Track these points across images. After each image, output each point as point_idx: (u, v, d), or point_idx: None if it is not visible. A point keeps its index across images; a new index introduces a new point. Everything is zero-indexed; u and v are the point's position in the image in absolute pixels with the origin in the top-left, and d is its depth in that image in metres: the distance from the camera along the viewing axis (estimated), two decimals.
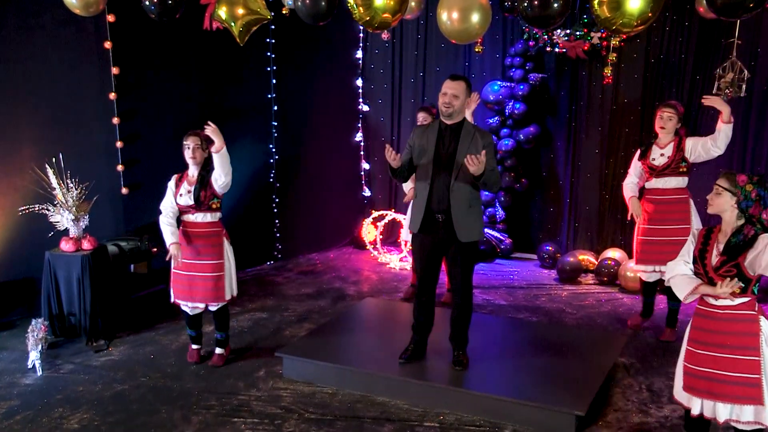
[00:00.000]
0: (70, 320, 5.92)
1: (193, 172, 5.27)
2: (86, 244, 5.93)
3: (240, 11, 4.89)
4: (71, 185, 5.93)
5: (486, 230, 8.37)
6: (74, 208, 5.90)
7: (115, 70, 6.63)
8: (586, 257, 7.96)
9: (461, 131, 4.83)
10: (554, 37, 7.77)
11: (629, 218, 6.11)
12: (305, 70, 8.32)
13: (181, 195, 5.23)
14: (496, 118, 8.26)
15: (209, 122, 5.01)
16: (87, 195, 6.02)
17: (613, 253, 7.77)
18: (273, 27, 7.84)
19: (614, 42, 5.20)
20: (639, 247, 5.97)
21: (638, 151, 6.01)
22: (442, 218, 4.83)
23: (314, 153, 8.52)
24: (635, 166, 6.00)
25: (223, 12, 4.93)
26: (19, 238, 6.26)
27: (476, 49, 5.47)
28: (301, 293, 7.31)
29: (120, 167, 6.81)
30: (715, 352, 3.68)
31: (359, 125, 9.11)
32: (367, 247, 8.74)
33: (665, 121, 5.77)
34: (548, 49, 7.91)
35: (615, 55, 5.03)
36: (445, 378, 5.00)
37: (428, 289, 5.15)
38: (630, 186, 6.00)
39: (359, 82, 9.04)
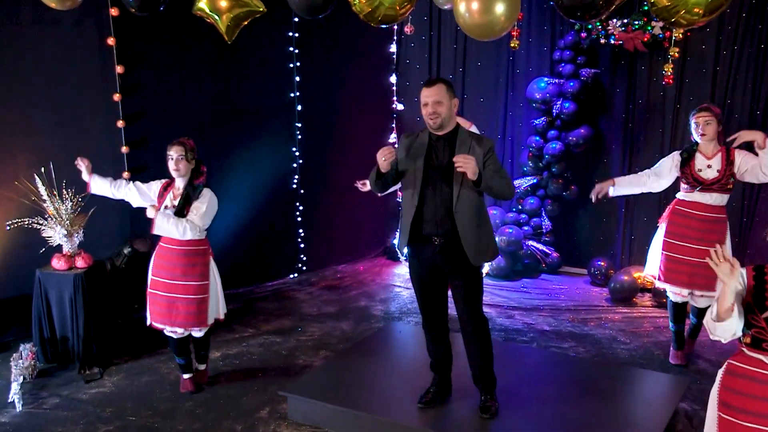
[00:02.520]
0: (64, 345, 5.40)
1: (179, 184, 4.71)
2: (80, 262, 5.40)
3: (223, 3, 4.19)
4: (66, 196, 5.40)
5: (530, 242, 7.57)
6: (67, 222, 5.37)
7: (119, 69, 6.08)
8: (643, 274, 7.08)
9: (456, 141, 4.11)
10: (609, 28, 6.92)
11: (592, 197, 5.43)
12: (333, 67, 7.64)
13: (165, 207, 4.68)
14: (542, 118, 7.44)
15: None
16: (83, 207, 5.48)
17: None
18: (296, 20, 7.19)
19: (677, 34, 4.33)
20: (666, 263, 5.28)
21: (676, 155, 5.26)
22: (439, 242, 4.13)
23: (343, 156, 7.83)
24: (664, 167, 5.29)
25: (204, 4, 4.25)
26: (15, 253, 5.76)
27: (512, 45, 4.68)
28: (322, 312, 6.65)
29: (126, 174, 6.26)
30: None
31: (393, 126, 8.39)
32: (401, 259, 8.05)
33: (703, 126, 5.05)
34: (602, 41, 7.06)
35: (677, 49, 4.19)
36: (471, 429, 4.28)
37: (438, 320, 4.45)
38: (644, 179, 5.36)
39: (393, 79, 8.31)
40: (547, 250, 7.59)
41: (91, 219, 5.57)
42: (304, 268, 7.79)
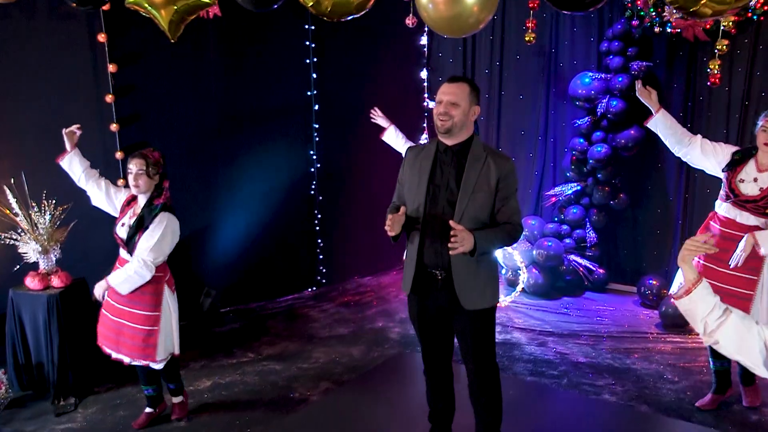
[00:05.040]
0: (39, 372, 4.94)
1: (141, 201, 4.19)
2: (56, 281, 4.92)
3: None
4: (46, 207, 4.94)
5: (572, 257, 6.75)
6: (44, 237, 4.91)
7: (111, 68, 5.58)
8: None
9: (467, 155, 3.40)
10: (665, 14, 6.04)
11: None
12: (355, 62, 6.98)
13: (122, 224, 4.18)
14: (586, 118, 6.60)
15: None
16: (64, 220, 5.01)
17: None
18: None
19: (725, 23, 3.44)
20: None
21: (730, 152, 4.34)
22: (441, 275, 3.43)
23: (366, 160, 7.16)
24: (713, 150, 4.40)
25: None
26: None
27: (527, 39, 3.93)
28: (332, 335, 6.03)
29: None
30: None
31: (424, 125, 7.68)
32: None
33: (766, 134, 4.12)
34: (657, 29, 6.18)
35: (726, 42, 3.36)
36: None
37: (440, 366, 3.76)
38: (680, 127, 4.49)
39: (424, 74, 7.61)
40: (591, 266, 6.76)
41: (72, 233, 5.10)
42: (323, 281, 7.19)
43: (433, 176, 3.46)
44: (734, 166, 4.28)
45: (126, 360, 4.33)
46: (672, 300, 2.35)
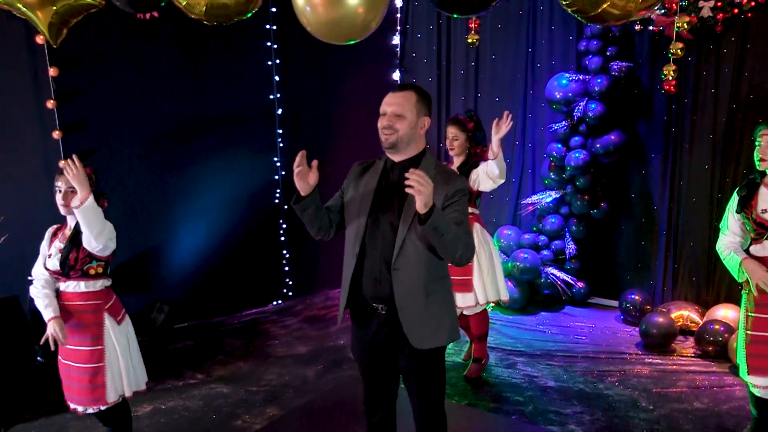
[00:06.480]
0: None
1: (71, 223, 3.76)
2: None
3: None
4: None
5: (550, 270, 6.36)
6: None
7: (52, 72, 5.27)
8: (686, 314, 5.81)
9: None
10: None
11: (746, 288, 3.80)
12: (322, 63, 6.64)
13: (50, 256, 3.73)
14: (563, 123, 6.21)
15: (72, 160, 3.43)
16: None
17: (726, 312, 5.58)
18: (274, 9, 6.23)
19: (680, 22, 3.02)
20: (749, 347, 3.76)
21: (734, 197, 3.81)
22: (383, 309, 3.04)
23: (336, 165, 6.74)
24: (733, 219, 3.82)
25: None
26: None
27: (469, 41, 3.55)
28: (290, 354, 5.69)
29: None
30: None
31: None
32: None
33: (765, 147, 3.60)
34: (638, 27, 5.80)
35: (681, 45, 2.93)
36: None
37: (381, 402, 3.33)
38: (732, 245, 3.83)
39: (396, 75, 7.24)
40: (570, 280, 6.36)
41: (4, 248, 4.80)
42: (290, 293, 6.85)
43: (378, 196, 3.09)
44: (747, 201, 3.74)
45: (80, 409, 3.80)
46: None
